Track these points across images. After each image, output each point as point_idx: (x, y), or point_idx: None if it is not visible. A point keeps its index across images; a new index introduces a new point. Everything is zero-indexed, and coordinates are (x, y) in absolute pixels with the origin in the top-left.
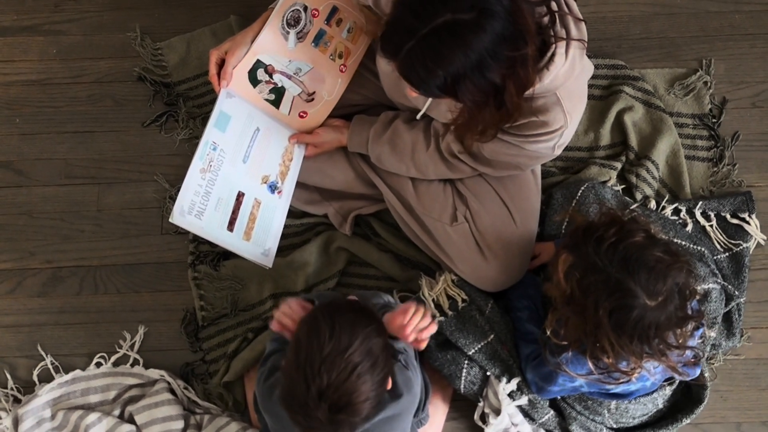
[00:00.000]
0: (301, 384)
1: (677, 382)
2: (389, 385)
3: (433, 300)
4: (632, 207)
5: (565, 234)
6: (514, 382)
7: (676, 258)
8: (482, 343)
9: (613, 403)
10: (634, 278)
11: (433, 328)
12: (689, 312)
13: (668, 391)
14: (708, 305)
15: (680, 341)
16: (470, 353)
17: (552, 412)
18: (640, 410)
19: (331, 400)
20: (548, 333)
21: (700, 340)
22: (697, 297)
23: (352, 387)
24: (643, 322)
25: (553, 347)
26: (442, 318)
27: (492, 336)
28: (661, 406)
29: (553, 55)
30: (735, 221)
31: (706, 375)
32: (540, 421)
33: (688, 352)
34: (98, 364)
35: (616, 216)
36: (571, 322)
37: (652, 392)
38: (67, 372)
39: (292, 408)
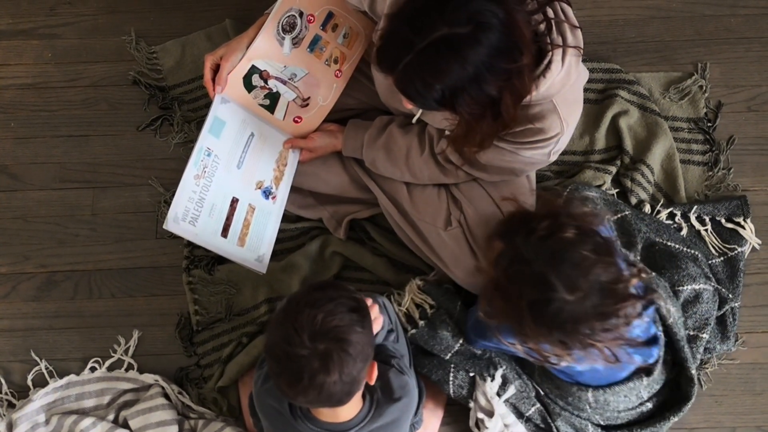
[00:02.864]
0: (288, 319)
1: (657, 372)
2: (372, 378)
3: (404, 313)
4: (626, 211)
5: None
6: (498, 376)
7: (603, 257)
8: (456, 347)
9: (591, 396)
10: (557, 272)
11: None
12: (617, 308)
13: (645, 381)
14: (699, 306)
15: (604, 333)
16: (447, 358)
17: (538, 405)
18: (622, 403)
19: (316, 326)
20: (480, 313)
21: (646, 320)
22: (630, 286)
23: (340, 320)
24: (560, 315)
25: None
26: (414, 330)
27: (462, 338)
28: (645, 398)
29: (549, 62)
30: (730, 225)
31: (693, 372)
32: (527, 415)
33: (621, 341)
34: (93, 369)
35: (553, 208)
36: (496, 306)
37: (628, 382)
38: (61, 377)
39: (275, 342)
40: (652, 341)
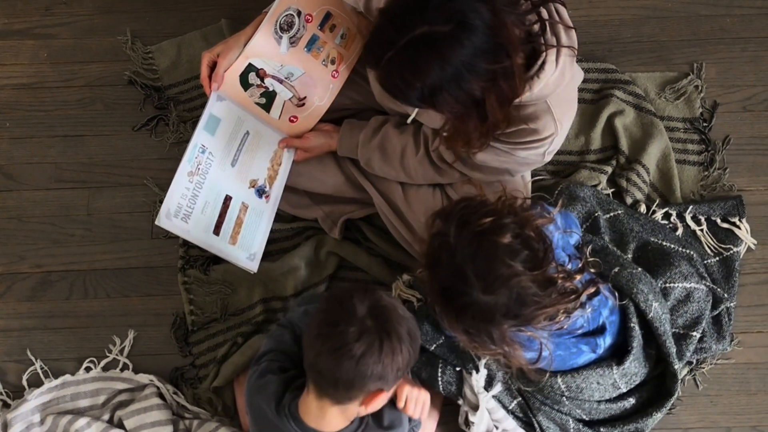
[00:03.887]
0: (365, 290)
1: (629, 361)
2: (369, 407)
3: None
4: (618, 211)
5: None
6: (482, 367)
7: (531, 271)
8: (440, 340)
9: (561, 382)
10: (476, 271)
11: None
12: (533, 314)
13: (616, 370)
14: (690, 305)
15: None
16: (432, 349)
17: (519, 398)
18: (596, 391)
19: (378, 306)
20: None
21: (589, 311)
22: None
23: (398, 323)
24: (469, 309)
25: None
26: None
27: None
28: (624, 389)
29: (543, 63)
30: (725, 225)
31: (676, 367)
32: (510, 408)
33: (524, 337)
34: (88, 369)
35: (506, 208)
36: (424, 277)
37: (596, 368)
38: (56, 377)
39: (343, 293)
40: (598, 331)
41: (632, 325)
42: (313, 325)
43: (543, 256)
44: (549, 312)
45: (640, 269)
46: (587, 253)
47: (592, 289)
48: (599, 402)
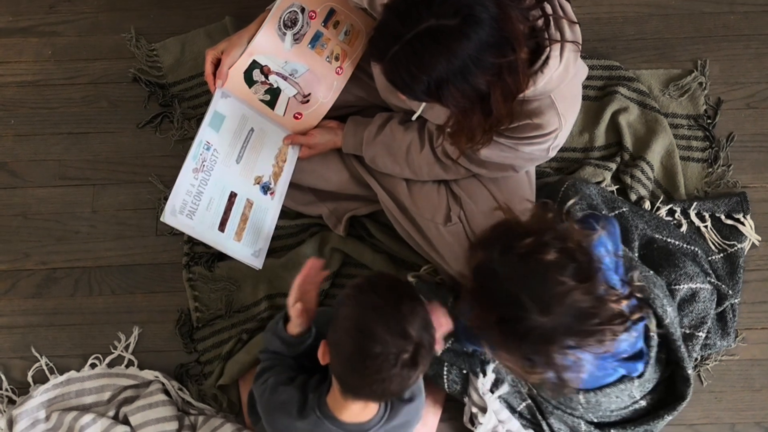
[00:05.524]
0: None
1: (648, 372)
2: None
3: None
4: (623, 208)
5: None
6: (490, 372)
7: (583, 283)
8: (447, 344)
9: (582, 397)
10: (530, 294)
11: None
12: (594, 330)
13: (637, 383)
14: (695, 305)
15: (576, 351)
16: (438, 354)
17: (529, 401)
18: (614, 403)
19: (422, 325)
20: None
21: (634, 335)
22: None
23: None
24: (531, 333)
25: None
26: None
27: (452, 338)
28: (638, 397)
29: (547, 58)
30: (729, 222)
31: (689, 372)
32: (518, 410)
33: (582, 360)
34: (93, 365)
35: (541, 224)
36: (473, 314)
37: (619, 384)
38: (61, 373)
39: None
40: (637, 356)
41: (652, 334)
42: (352, 334)
43: (588, 266)
44: (603, 329)
45: (651, 272)
46: (635, 278)
47: (638, 315)
48: (612, 410)
